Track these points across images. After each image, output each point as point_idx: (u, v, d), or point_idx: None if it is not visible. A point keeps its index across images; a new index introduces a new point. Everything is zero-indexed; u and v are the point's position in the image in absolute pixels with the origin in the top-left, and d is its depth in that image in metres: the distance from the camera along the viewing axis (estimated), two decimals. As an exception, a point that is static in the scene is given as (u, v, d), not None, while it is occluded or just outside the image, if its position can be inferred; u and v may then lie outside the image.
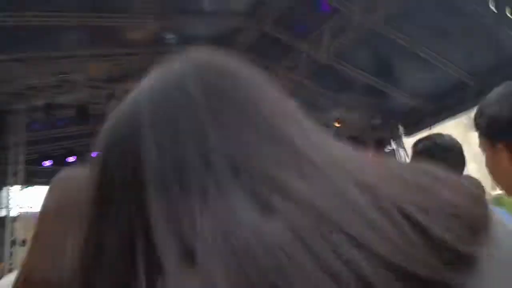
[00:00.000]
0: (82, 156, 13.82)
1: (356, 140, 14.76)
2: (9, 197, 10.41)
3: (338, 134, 13.86)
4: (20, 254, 10.15)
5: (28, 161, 11.24)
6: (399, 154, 15.07)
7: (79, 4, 7.89)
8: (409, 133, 13.85)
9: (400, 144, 15.07)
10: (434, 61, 9.52)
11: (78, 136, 12.75)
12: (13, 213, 10.48)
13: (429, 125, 12.09)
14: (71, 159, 13.59)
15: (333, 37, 8.65)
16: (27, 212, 13.35)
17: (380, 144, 14.90)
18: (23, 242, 10.30)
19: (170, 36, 8.74)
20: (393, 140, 15.06)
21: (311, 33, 9.21)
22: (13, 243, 10.00)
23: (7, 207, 10.26)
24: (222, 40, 9.95)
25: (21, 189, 11.08)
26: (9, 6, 7.32)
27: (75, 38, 8.53)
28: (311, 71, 9.57)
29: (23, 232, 10.49)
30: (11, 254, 9.92)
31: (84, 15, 7.94)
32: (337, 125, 13.39)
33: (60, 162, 13.76)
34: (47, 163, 13.44)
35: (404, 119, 14.07)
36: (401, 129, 15.03)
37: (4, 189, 10.42)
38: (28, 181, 12.49)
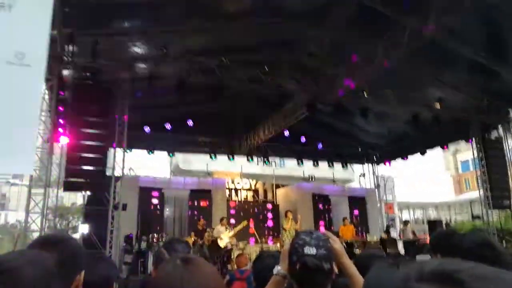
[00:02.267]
0: (177, 124, 14.74)
1: (456, 122, 13.63)
2: (114, 159, 11.33)
3: (438, 115, 12.86)
4: (122, 217, 11.18)
5: (130, 126, 12.12)
6: (507, 142, 13.63)
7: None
8: (521, 118, 12.41)
9: (509, 131, 13.59)
10: None
11: (175, 105, 13.49)
12: (117, 174, 11.43)
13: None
14: (168, 126, 14.52)
15: (442, 12, 7.84)
16: (128, 174, 14.69)
17: (485, 129, 13.58)
18: (124, 207, 11.30)
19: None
20: (501, 125, 13.63)
21: (416, 6, 8.46)
22: (115, 207, 10.92)
23: (112, 168, 11.21)
24: (318, 14, 9.62)
25: (125, 152, 12.01)
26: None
27: (175, 13, 8.81)
28: (414, 47, 8.85)
29: (124, 193, 11.52)
30: (113, 218, 10.86)
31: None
32: (438, 106, 12.41)
33: (158, 128, 14.84)
34: (147, 129, 14.50)
35: (517, 102, 12.59)
36: (511, 113, 13.52)
37: (111, 151, 11.37)
38: (130, 145, 13.60)
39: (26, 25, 3.02)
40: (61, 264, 1.38)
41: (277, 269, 1.80)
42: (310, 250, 1.66)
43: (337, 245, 1.82)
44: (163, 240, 12.17)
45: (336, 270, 1.73)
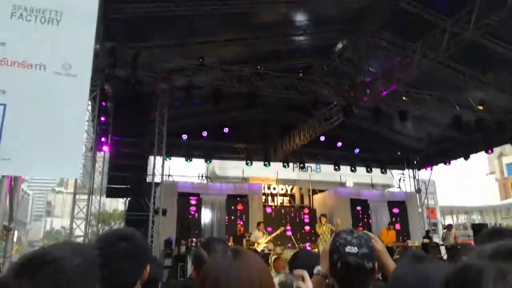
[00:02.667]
0: (212, 132, 15.01)
1: (501, 125, 13.05)
2: (154, 166, 11.67)
3: (481, 118, 12.39)
4: (161, 223, 11.48)
5: (169, 134, 12.45)
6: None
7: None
8: None
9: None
10: None
11: (211, 113, 13.73)
12: (156, 180, 11.75)
13: None
14: (204, 133, 14.82)
15: (483, 13, 7.58)
16: (167, 181, 15.06)
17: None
18: (164, 213, 11.60)
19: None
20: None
21: (455, 8, 8.22)
22: (155, 212, 11.23)
23: (152, 174, 11.54)
24: (353, 18, 9.55)
25: (164, 160, 12.34)
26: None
27: (210, 24, 9.02)
28: (454, 49, 8.59)
29: (163, 199, 11.82)
30: (153, 222, 11.16)
31: (214, 2, 8.32)
32: (480, 107, 11.96)
33: (195, 136, 15.17)
34: (185, 136, 14.85)
35: None
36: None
37: (151, 158, 11.70)
38: (169, 153, 13.95)
39: (72, 38, 3.19)
40: (134, 256, 1.47)
41: (318, 268, 1.78)
42: (352, 249, 1.64)
43: (379, 245, 1.79)
44: (202, 245, 12.30)
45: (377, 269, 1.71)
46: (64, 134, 2.94)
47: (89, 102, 10.37)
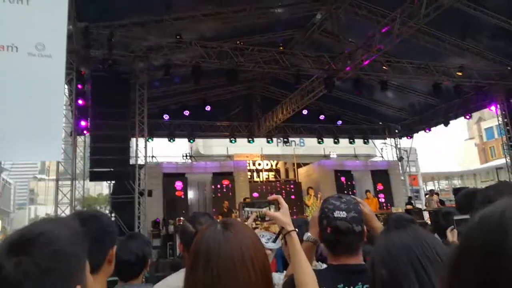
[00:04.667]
0: (194, 110, 14.86)
1: (479, 90, 13.27)
2: (137, 148, 11.54)
3: (460, 84, 12.55)
4: (147, 204, 11.45)
5: (150, 115, 12.28)
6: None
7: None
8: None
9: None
10: None
11: (192, 91, 13.57)
12: (139, 162, 11.65)
13: None
14: (186, 112, 14.66)
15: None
16: (150, 162, 14.95)
17: (510, 95, 13.16)
18: (149, 194, 11.55)
19: None
20: (527, 90, 13.20)
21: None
22: (140, 194, 11.16)
23: (135, 157, 11.42)
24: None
25: (147, 141, 12.20)
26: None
27: (185, 0, 8.78)
28: (433, 16, 8.58)
29: (148, 180, 11.76)
30: (139, 204, 11.11)
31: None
32: (459, 74, 12.10)
33: (177, 115, 15.00)
34: (166, 116, 14.67)
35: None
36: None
37: (132, 140, 11.55)
38: (151, 134, 13.80)
39: (44, 17, 3.08)
40: (94, 239, 1.43)
41: (307, 235, 1.80)
42: (341, 214, 1.66)
43: (367, 208, 1.81)
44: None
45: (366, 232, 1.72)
46: (43, 116, 2.85)
47: (65, 86, 10.10)
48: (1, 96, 2.75)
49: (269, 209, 1.63)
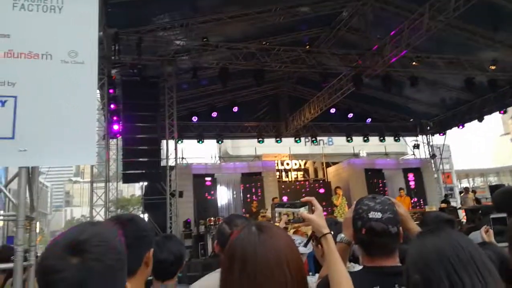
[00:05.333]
0: (222, 112, 14.98)
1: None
2: (167, 150, 11.74)
3: (493, 78, 12.12)
4: (179, 204, 11.63)
5: (179, 117, 12.48)
6: None
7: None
8: None
9: None
10: None
11: (220, 93, 13.69)
12: (170, 163, 11.85)
13: None
14: (214, 114, 14.81)
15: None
16: (181, 163, 15.19)
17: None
18: (180, 195, 11.75)
19: None
20: None
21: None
22: (172, 194, 11.36)
23: (166, 158, 11.63)
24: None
25: (177, 143, 12.41)
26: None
27: (212, 2, 8.87)
28: (463, 9, 8.31)
29: (179, 182, 11.95)
30: (170, 205, 11.31)
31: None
32: (492, 68, 11.68)
33: (205, 117, 15.17)
34: (195, 118, 14.86)
35: None
36: None
37: (163, 142, 11.77)
38: (180, 136, 14.00)
39: (76, 24, 3.18)
40: (132, 242, 1.47)
41: (341, 236, 1.77)
42: (376, 215, 1.64)
43: (402, 209, 1.77)
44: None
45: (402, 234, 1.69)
46: (77, 121, 2.95)
47: (98, 91, 10.41)
48: (36, 103, 2.87)
49: (299, 211, 1.63)
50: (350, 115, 16.23)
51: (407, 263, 1.28)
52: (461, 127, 16.30)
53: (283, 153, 20.18)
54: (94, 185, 11.03)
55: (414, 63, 11.56)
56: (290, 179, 18.52)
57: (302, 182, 18.33)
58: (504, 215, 2.30)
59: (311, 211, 1.62)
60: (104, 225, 1.03)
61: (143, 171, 10.55)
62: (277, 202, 1.74)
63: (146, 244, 1.54)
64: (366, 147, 20.93)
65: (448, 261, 1.17)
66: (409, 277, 1.23)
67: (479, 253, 1.19)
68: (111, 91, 10.56)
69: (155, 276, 2.26)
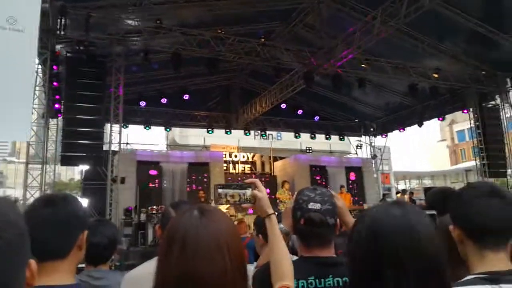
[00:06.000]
0: (172, 98, 14.66)
1: (453, 93, 13.58)
2: (111, 134, 11.32)
3: (436, 85, 12.81)
4: (120, 191, 11.27)
5: (126, 101, 12.03)
6: (504, 110, 13.64)
7: None
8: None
9: (506, 100, 13.59)
10: None
11: (171, 79, 13.37)
12: (113, 148, 11.44)
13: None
14: (163, 100, 14.43)
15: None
16: (125, 149, 14.69)
17: (482, 99, 13.51)
18: (122, 181, 11.36)
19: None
20: (498, 94, 13.59)
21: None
22: (113, 180, 10.97)
23: (109, 143, 11.20)
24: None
25: (122, 127, 11.96)
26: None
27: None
28: (413, 17, 8.69)
29: (122, 168, 11.56)
30: (111, 191, 10.92)
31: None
32: (435, 75, 12.33)
33: (154, 103, 14.75)
34: (143, 103, 14.42)
35: (515, 72, 12.51)
36: (509, 82, 13.48)
37: (107, 126, 11.31)
38: (126, 120, 13.53)
39: (16, -10, 2.96)
40: (63, 221, 1.37)
41: (280, 226, 1.75)
42: (315, 205, 1.66)
43: (340, 202, 1.81)
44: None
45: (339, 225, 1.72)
46: (12, 93, 2.74)
47: (40, 66, 9.78)
48: (-34, 69, 2.63)
49: (246, 193, 1.61)
50: (300, 111, 16.53)
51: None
52: (402, 130, 17.13)
53: (232, 145, 20.14)
54: (30, 166, 10.37)
55: (363, 65, 11.94)
56: (237, 171, 18.56)
57: (248, 175, 18.43)
58: (434, 212, 2.42)
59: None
60: (3, 199, 0.93)
61: (84, 154, 10.06)
62: (220, 184, 1.69)
63: (79, 226, 1.43)
64: (312, 144, 21.37)
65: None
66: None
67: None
68: (54, 67, 9.96)
69: (87, 261, 2.16)
